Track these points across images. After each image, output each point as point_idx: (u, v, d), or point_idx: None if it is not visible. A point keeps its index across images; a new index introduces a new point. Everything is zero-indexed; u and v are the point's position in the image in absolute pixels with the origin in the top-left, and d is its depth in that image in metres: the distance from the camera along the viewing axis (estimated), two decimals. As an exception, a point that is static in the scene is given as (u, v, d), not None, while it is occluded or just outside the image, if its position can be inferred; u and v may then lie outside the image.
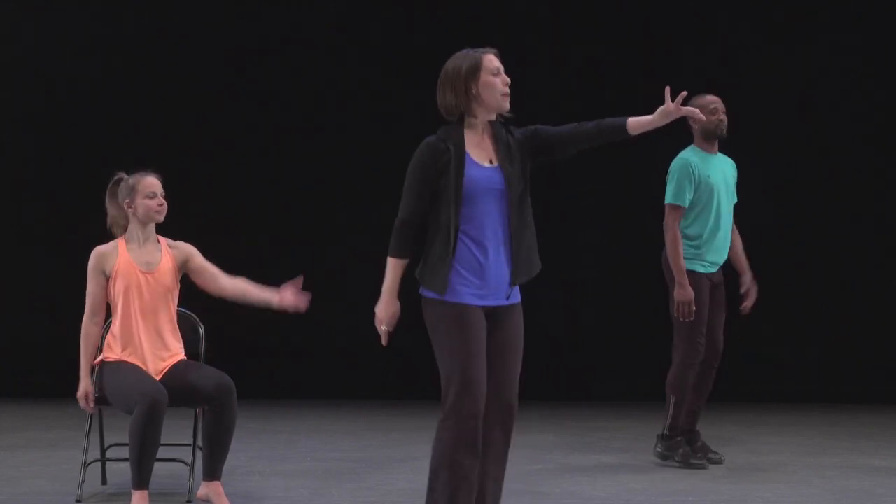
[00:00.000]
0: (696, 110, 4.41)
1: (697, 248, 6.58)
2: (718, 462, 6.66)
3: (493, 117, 4.29)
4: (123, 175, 5.44)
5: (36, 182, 10.13)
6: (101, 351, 5.43)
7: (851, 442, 7.81)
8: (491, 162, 4.25)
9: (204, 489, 5.22)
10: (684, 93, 4.26)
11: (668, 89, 4.27)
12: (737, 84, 10.02)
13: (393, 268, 4.25)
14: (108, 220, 5.47)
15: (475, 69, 4.23)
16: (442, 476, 4.17)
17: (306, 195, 10.06)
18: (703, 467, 6.52)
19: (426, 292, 4.24)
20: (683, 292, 6.47)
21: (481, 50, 4.30)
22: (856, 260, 10.25)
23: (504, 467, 4.35)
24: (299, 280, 5.24)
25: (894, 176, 10.23)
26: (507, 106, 4.27)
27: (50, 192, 10.07)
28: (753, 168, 6.84)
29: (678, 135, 6.69)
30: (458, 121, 4.27)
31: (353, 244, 10.12)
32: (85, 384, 5.29)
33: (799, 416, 9.25)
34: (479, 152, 4.25)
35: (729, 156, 6.80)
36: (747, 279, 6.80)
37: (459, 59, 4.28)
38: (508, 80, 4.27)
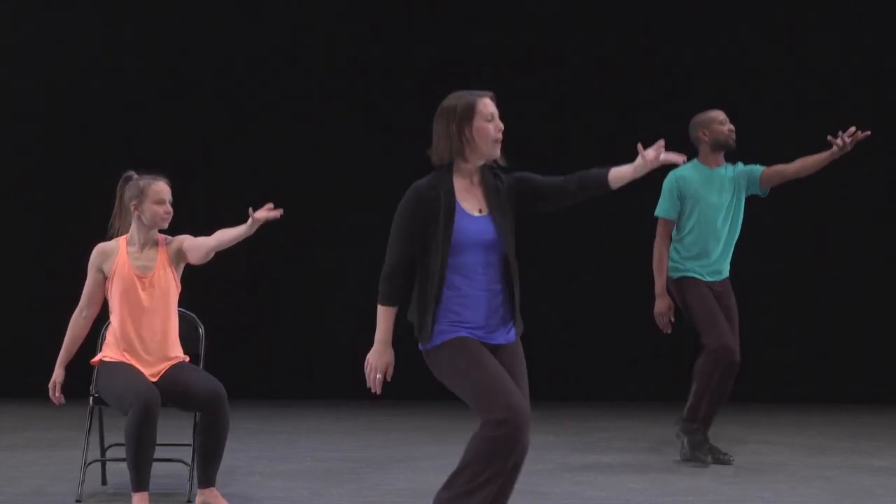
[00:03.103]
0: (677, 156, 4.27)
1: (689, 260, 6.66)
2: (727, 462, 6.66)
3: (482, 163, 4.21)
4: (133, 174, 5.43)
5: (36, 182, 10.14)
6: (100, 350, 5.43)
7: (851, 442, 7.81)
8: (480, 211, 4.18)
9: (200, 497, 5.20)
10: (661, 142, 4.17)
11: (640, 145, 4.18)
12: (735, 83, 10.03)
13: (384, 316, 4.17)
14: (113, 215, 5.47)
15: (469, 113, 4.14)
16: (489, 471, 4.07)
17: (305, 196, 10.05)
18: (704, 463, 6.58)
19: (421, 346, 4.18)
20: (658, 303, 6.68)
21: (477, 93, 4.20)
22: (856, 260, 10.26)
23: (511, 493, 4.30)
24: (268, 205, 5.19)
25: (894, 176, 10.23)
26: (498, 153, 4.19)
27: (50, 192, 10.08)
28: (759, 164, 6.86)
29: (683, 150, 6.70)
30: (448, 166, 4.19)
31: (353, 245, 10.13)
32: (56, 374, 5.32)
33: (799, 416, 9.25)
34: (470, 201, 4.18)
35: (731, 156, 6.81)
36: (836, 148, 6.41)
37: (454, 101, 4.18)
38: (501, 127, 4.18)
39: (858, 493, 5.84)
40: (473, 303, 4.15)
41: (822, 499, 5.71)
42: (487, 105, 4.18)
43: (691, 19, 10.27)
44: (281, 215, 5.16)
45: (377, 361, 4.22)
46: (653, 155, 4.15)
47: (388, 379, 4.23)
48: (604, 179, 4.21)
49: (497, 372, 4.10)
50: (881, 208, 10.28)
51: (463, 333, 4.13)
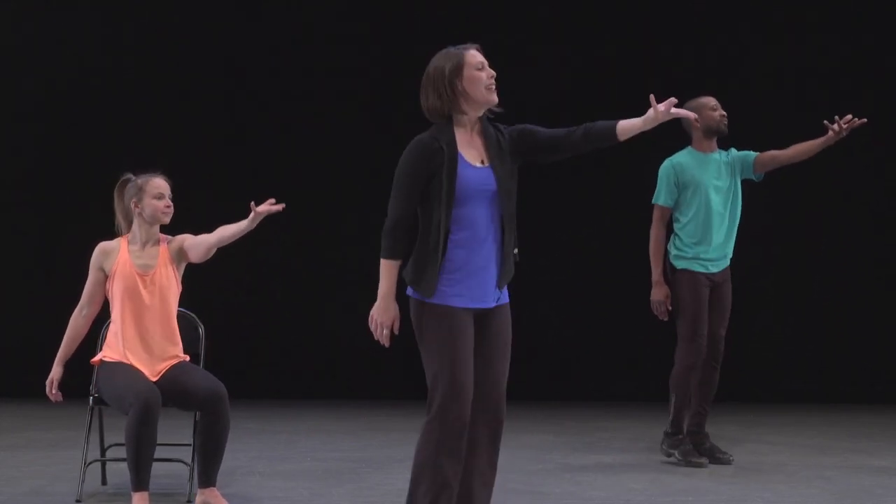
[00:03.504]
0: (689, 113, 4.37)
1: (693, 248, 6.65)
2: (727, 462, 6.66)
3: (482, 112, 4.25)
4: (131, 176, 5.44)
5: (36, 182, 10.14)
6: (100, 349, 5.43)
7: (851, 442, 7.81)
8: (482, 162, 4.21)
9: (200, 497, 5.20)
10: (673, 99, 4.20)
11: (652, 96, 4.22)
12: (735, 82, 10.03)
13: (387, 270, 4.18)
14: (116, 220, 5.48)
15: (459, 66, 4.19)
16: (424, 480, 4.17)
17: (305, 196, 10.05)
18: (702, 465, 6.56)
19: (414, 294, 4.20)
20: (655, 291, 6.70)
21: (462, 47, 4.25)
22: (856, 260, 10.26)
23: (495, 470, 4.31)
24: (270, 200, 5.21)
25: (895, 176, 10.23)
26: (495, 98, 4.22)
27: (50, 193, 10.08)
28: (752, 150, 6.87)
29: (676, 136, 6.72)
30: (448, 121, 4.22)
31: (353, 245, 10.13)
32: (54, 372, 5.33)
33: (799, 416, 9.25)
34: (471, 152, 4.21)
35: (723, 143, 6.82)
36: (832, 134, 6.48)
37: (442, 59, 4.23)
38: (493, 73, 4.23)
39: (858, 493, 5.84)
40: (476, 255, 4.16)
41: (822, 499, 5.71)
42: (475, 55, 4.24)
43: (690, 19, 10.27)
44: (283, 209, 5.17)
45: (382, 316, 4.21)
46: (664, 108, 4.18)
47: (396, 332, 4.24)
48: (611, 130, 4.23)
49: (465, 366, 4.12)
50: (882, 208, 10.27)
51: (456, 302, 4.15)
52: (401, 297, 4.23)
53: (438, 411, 4.11)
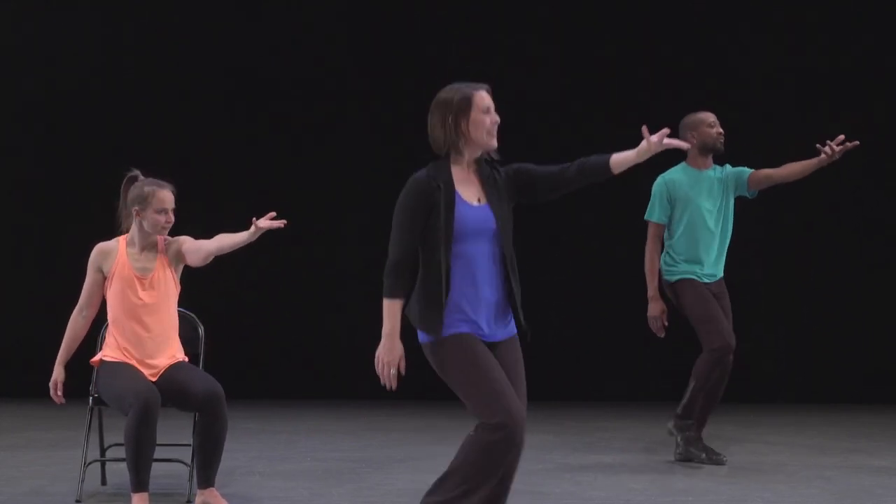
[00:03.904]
0: (681, 143, 4.33)
1: (682, 264, 6.66)
2: (721, 463, 6.66)
3: (478, 154, 4.23)
4: (138, 174, 5.42)
5: (36, 182, 10.14)
6: (100, 350, 5.43)
7: (851, 442, 7.81)
8: (479, 200, 4.20)
9: (200, 497, 5.20)
10: (666, 130, 4.19)
11: (644, 128, 4.19)
12: (734, 82, 10.03)
13: (391, 310, 4.16)
14: (118, 215, 5.47)
15: (466, 105, 4.16)
16: (487, 483, 4.06)
17: (305, 196, 10.06)
18: (696, 459, 6.58)
19: (423, 337, 4.18)
20: (651, 307, 6.71)
21: (473, 86, 4.22)
22: (856, 260, 10.26)
23: (508, 494, 4.28)
24: (271, 214, 5.21)
25: (894, 176, 10.23)
26: (495, 144, 4.21)
27: (50, 192, 10.08)
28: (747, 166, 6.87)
29: (673, 151, 6.70)
30: (445, 156, 4.22)
31: (353, 245, 10.13)
32: (56, 374, 5.33)
33: (799, 416, 9.25)
34: (468, 190, 4.20)
35: (727, 158, 6.81)
36: (824, 157, 6.44)
37: (450, 93, 4.20)
38: (497, 119, 4.20)
39: (858, 493, 5.84)
40: (476, 295, 4.16)
41: (822, 499, 5.71)
42: (484, 98, 4.20)
43: (690, 19, 10.27)
44: (284, 226, 5.16)
45: (388, 356, 4.18)
46: (657, 139, 4.18)
47: (402, 372, 4.21)
48: (605, 165, 4.23)
49: (497, 374, 4.11)
50: (881, 209, 10.27)
51: (464, 329, 4.14)
52: (405, 336, 4.22)
53: (499, 412, 4.04)
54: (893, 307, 10.20)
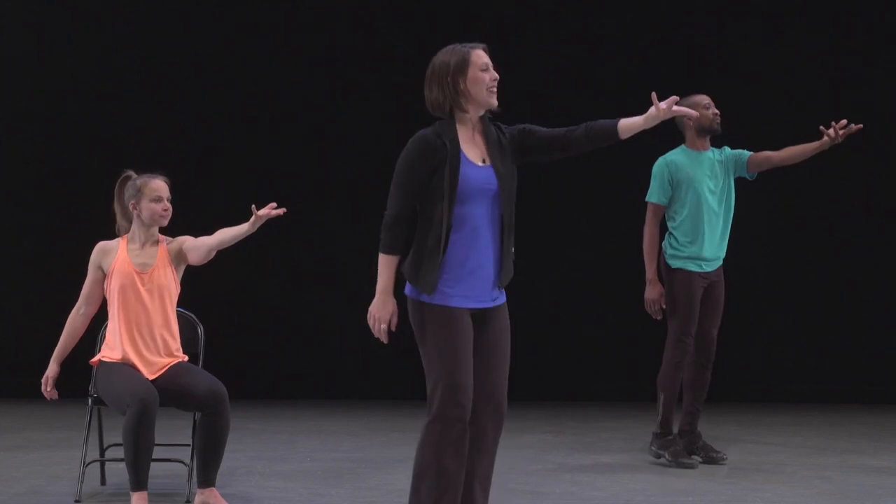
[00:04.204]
0: (690, 110, 4.42)
1: (687, 247, 6.65)
2: (720, 461, 6.66)
3: (482, 113, 4.26)
4: (132, 174, 5.43)
5: (35, 182, 10.14)
6: (99, 349, 5.43)
7: (851, 442, 7.81)
8: (484, 161, 4.21)
9: (200, 497, 5.20)
10: (674, 97, 4.23)
11: (654, 94, 4.24)
12: (732, 82, 10.03)
13: (386, 265, 4.19)
14: (115, 220, 5.47)
15: (463, 64, 4.20)
16: (427, 480, 4.15)
17: (305, 196, 10.05)
18: (692, 466, 6.54)
19: (412, 292, 4.20)
20: (649, 290, 6.69)
21: (470, 45, 4.26)
22: (856, 260, 10.25)
23: (492, 468, 4.32)
24: (272, 204, 5.22)
25: (894, 175, 10.23)
26: (495, 101, 4.24)
27: (49, 192, 10.08)
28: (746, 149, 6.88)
29: (669, 134, 6.72)
30: (450, 117, 4.24)
31: (353, 245, 10.12)
32: (50, 370, 5.33)
33: (799, 416, 9.25)
34: (473, 150, 4.22)
35: (718, 141, 6.82)
36: (826, 139, 6.46)
37: (447, 55, 4.23)
38: (497, 76, 4.24)
39: (858, 493, 5.84)
40: (476, 253, 4.17)
41: (822, 499, 5.71)
42: (480, 56, 4.24)
43: (688, 13, 10.27)
44: (284, 213, 5.17)
45: (380, 312, 4.21)
46: (665, 106, 4.21)
47: (393, 328, 4.24)
48: (613, 129, 4.24)
49: (464, 364, 4.12)
50: (881, 207, 10.27)
51: (455, 301, 4.15)
52: (399, 294, 4.23)
53: (439, 413, 4.11)
54: (893, 307, 10.19)
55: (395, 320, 4.23)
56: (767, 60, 10.24)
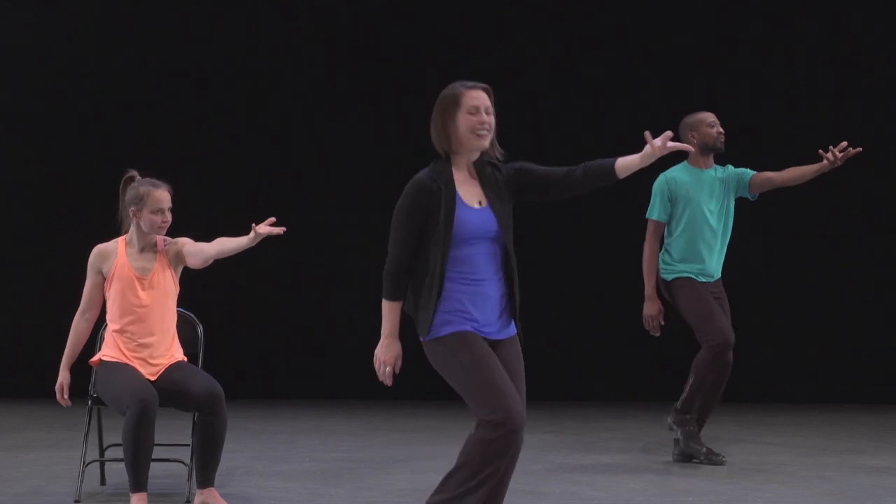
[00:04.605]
0: (686, 145, 4.38)
1: (680, 263, 6.65)
2: (720, 463, 6.65)
3: (476, 156, 4.21)
4: (135, 174, 5.42)
5: (35, 182, 10.14)
6: (99, 350, 5.43)
7: (851, 442, 7.81)
8: (480, 203, 4.18)
9: (199, 497, 5.20)
10: (668, 133, 4.19)
11: (647, 133, 4.18)
12: (731, 80, 10.03)
13: (390, 311, 4.18)
14: (118, 216, 5.47)
15: (453, 105, 4.15)
16: (490, 481, 4.06)
17: (305, 196, 10.06)
18: (699, 452, 6.57)
19: (422, 336, 4.19)
20: (647, 306, 6.69)
21: (469, 84, 4.18)
22: (856, 260, 10.25)
23: (506, 489, 4.27)
24: (271, 220, 5.21)
25: (892, 175, 10.23)
26: (482, 144, 4.15)
27: (49, 192, 10.08)
28: (749, 168, 6.87)
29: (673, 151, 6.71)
30: (446, 158, 4.20)
31: (353, 245, 10.13)
32: (62, 377, 5.33)
33: (799, 416, 9.25)
34: (469, 192, 4.18)
35: (727, 158, 6.81)
36: (826, 162, 6.46)
37: (445, 91, 4.20)
38: (486, 120, 4.14)
39: (858, 493, 5.84)
40: (474, 296, 4.16)
41: (822, 499, 5.70)
42: (473, 97, 4.16)
43: (692, 19, 10.27)
44: (283, 232, 5.16)
45: (386, 356, 4.22)
46: (660, 143, 4.17)
47: (397, 371, 4.25)
48: (610, 169, 4.22)
49: (497, 371, 4.11)
50: (881, 208, 10.27)
51: (465, 327, 4.14)
52: (404, 336, 4.23)
53: (499, 408, 4.03)
54: (893, 307, 10.19)
55: (399, 363, 4.24)
56: (767, 66, 10.24)
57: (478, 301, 4.16)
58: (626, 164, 4.21)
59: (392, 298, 4.19)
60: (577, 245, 10.21)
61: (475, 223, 4.15)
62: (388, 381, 4.24)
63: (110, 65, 10.17)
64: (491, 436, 4.05)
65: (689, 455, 6.65)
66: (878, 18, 10.19)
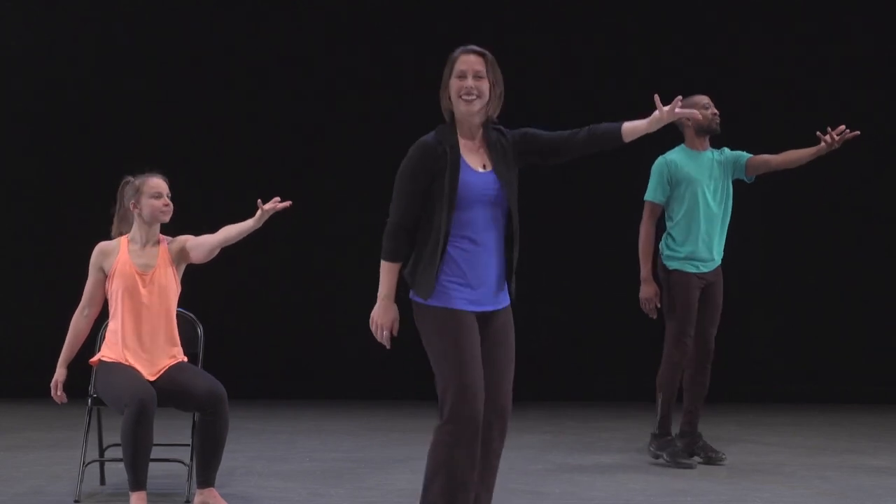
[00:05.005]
0: (693, 111, 4.42)
1: (684, 246, 6.64)
2: (720, 462, 6.66)
3: (477, 121, 4.22)
4: (130, 178, 5.43)
5: (35, 182, 10.14)
6: (99, 349, 5.44)
7: (851, 442, 7.81)
8: (484, 167, 4.20)
9: (199, 497, 5.20)
10: (679, 97, 4.23)
11: (657, 97, 4.22)
12: (730, 81, 10.03)
13: (388, 272, 4.19)
14: (114, 226, 5.47)
15: (448, 68, 4.21)
16: (438, 482, 4.11)
17: (305, 196, 10.04)
18: (691, 467, 6.55)
19: (416, 297, 4.19)
20: (644, 288, 6.69)
21: (463, 48, 4.22)
22: (856, 260, 10.25)
23: (496, 472, 4.31)
24: (276, 199, 5.22)
25: (893, 174, 10.23)
26: (469, 109, 4.16)
27: (49, 192, 10.08)
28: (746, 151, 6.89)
29: (669, 133, 6.71)
30: (451, 122, 4.23)
31: (353, 245, 10.12)
32: (58, 374, 5.33)
33: (799, 416, 9.25)
34: (473, 156, 4.21)
35: (717, 142, 6.82)
36: (824, 145, 6.45)
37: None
38: (472, 85, 4.15)
39: (858, 493, 5.84)
40: (474, 259, 4.17)
41: (821, 499, 5.71)
42: (462, 62, 4.19)
43: (686, 16, 10.27)
44: (289, 206, 5.16)
45: (382, 318, 4.22)
46: (669, 108, 4.20)
47: (395, 334, 4.25)
48: (616, 132, 4.23)
49: (471, 363, 4.11)
50: (881, 207, 10.27)
51: (458, 304, 4.14)
52: (401, 300, 4.23)
53: (451, 414, 4.08)
54: (893, 307, 10.19)
55: (396, 326, 4.24)
56: (766, 57, 10.24)
57: (476, 264, 4.16)
58: (633, 127, 4.23)
59: (391, 259, 4.19)
60: (577, 244, 10.20)
61: (479, 186, 4.16)
62: (388, 344, 4.25)
63: (110, 65, 10.17)
64: (439, 436, 4.12)
65: (684, 467, 6.59)
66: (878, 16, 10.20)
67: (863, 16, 10.23)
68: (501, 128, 4.29)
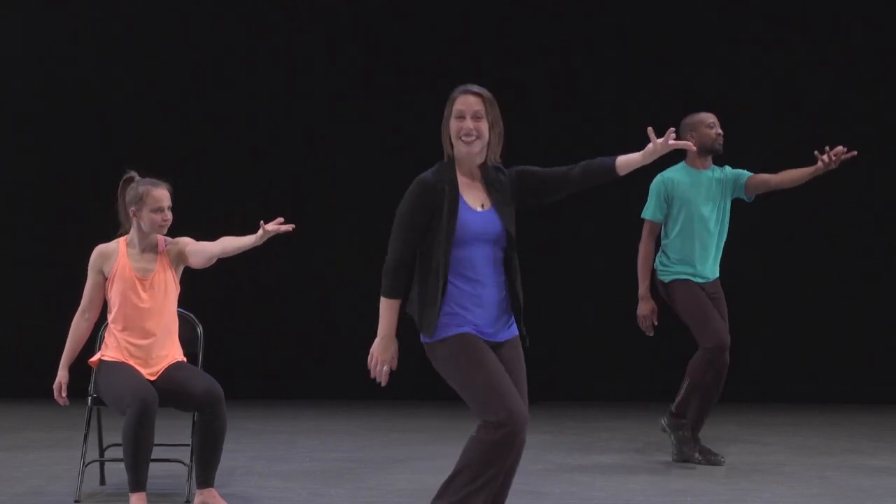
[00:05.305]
0: (688, 143, 4.40)
1: (678, 265, 6.65)
2: (718, 463, 6.65)
3: (478, 161, 4.22)
4: (134, 175, 5.42)
5: (35, 182, 10.14)
6: (99, 350, 5.44)
7: (851, 442, 7.81)
8: (483, 206, 4.21)
9: (199, 497, 5.20)
10: (672, 130, 4.21)
11: (650, 129, 4.21)
12: (729, 80, 10.02)
13: (388, 309, 4.19)
14: (120, 218, 5.47)
15: (448, 108, 4.21)
16: (482, 479, 4.06)
17: (306, 196, 10.05)
18: (691, 459, 6.57)
19: (425, 338, 4.19)
20: (641, 306, 6.71)
21: (464, 88, 4.21)
22: (856, 259, 10.25)
23: (508, 490, 4.29)
24: (279, 220, 5.21)
25: (893, 174, 10.22)
26: (468, 150, 4.16)
27: (49, 192, 10.08)
28: (747, 167, 6.86)
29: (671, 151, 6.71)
30: (451, 160, 4.23)
31: (353, 245, 10.13)
32: (60, 376, 5.33)
33: (799, 416, 9.25)
34: (472, 195, 4.21)
35: (724, 158, 6.81)
36: (821, 165, 6.43)
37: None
38: (471, 127, 4.15)
39: (858, 493, 5.84)
40: (477, 297, 4.17)
41: (821, 499, 5.71)
42: (461, 102, 4.19)
43: (693, 20, 10.26)
44: (292, 230, 5.16)
45: (382, 354, 4.24)
46: (663, 140, 4.20)
47: (394, 369, 4.25)
48: (611, 166, 4.24)
49: (498, 373, 4.12)
50: (881, 207, 10.27)
51: (466, 329, 4.15)
52: (400, 334, 4.23)
53: (503, 413, 4.05)
54: (893, 307, 10.19)
55: (395, 362, 4.25)
56: (766, 66, 10.24)
57: (477, 302, 4.17)
58: (627, 161, 4.23)
59: (390, 296, 4.19)
60: (577, 245, 10.20)
61: (477, 225, 4.16)
62: (384, 380, 4.25)
63: (110, 65, 10.16)
64: (493, 437, 4.06)
65: (685, 459, 6.65)
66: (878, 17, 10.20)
67: (863, 16, 10.22)
68: (499, 165, 4.29)
